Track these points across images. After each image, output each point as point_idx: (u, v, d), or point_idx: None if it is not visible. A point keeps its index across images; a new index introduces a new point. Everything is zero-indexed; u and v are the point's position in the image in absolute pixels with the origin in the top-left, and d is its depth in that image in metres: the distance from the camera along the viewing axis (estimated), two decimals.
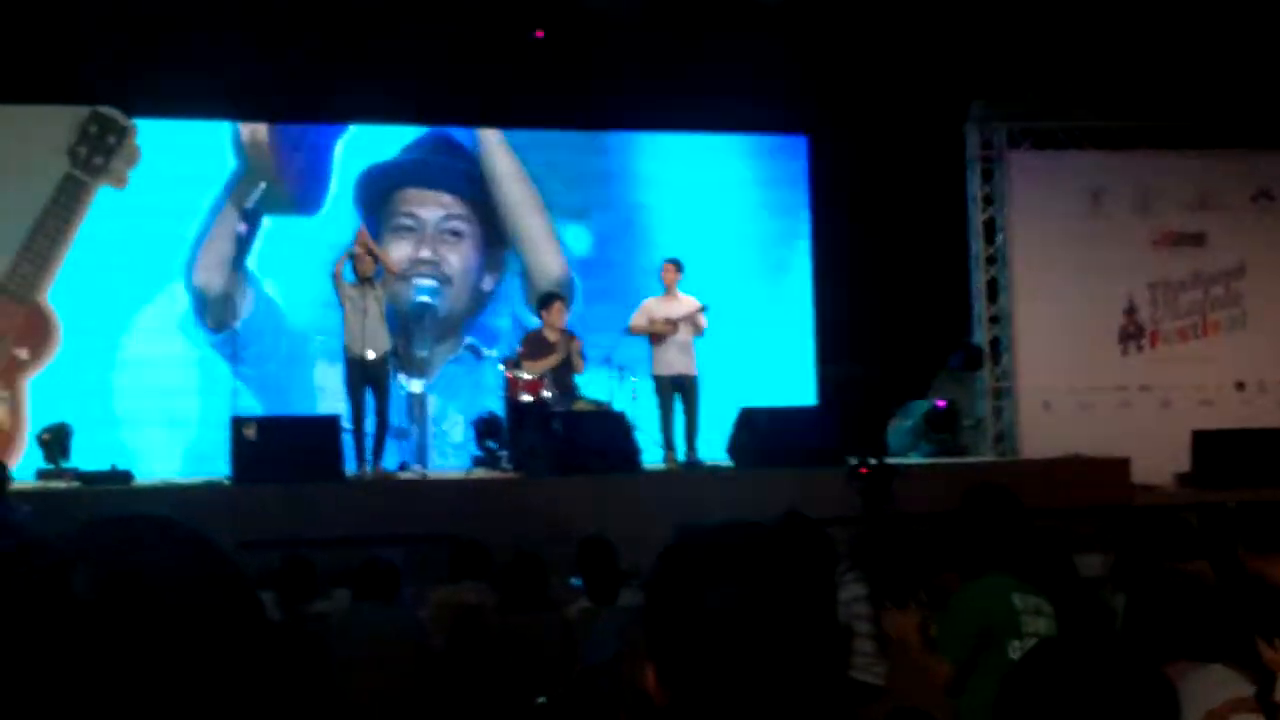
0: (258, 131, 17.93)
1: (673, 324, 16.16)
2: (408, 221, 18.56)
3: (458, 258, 18.74)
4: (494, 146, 18.89)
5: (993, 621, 6.34)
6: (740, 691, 2.06)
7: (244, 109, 17.55)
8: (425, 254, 18.56)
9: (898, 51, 17.98)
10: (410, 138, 18.67)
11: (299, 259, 17.75)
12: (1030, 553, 6.76)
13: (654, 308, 16.34)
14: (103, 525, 1.66)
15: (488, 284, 18.87)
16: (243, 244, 17.71)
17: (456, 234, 18.76)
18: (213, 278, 17.62)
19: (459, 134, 18.85)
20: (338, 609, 9.85)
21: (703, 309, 16.32)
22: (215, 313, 17.58)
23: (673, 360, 16.22)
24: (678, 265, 16.63)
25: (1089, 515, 13.45)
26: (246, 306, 17.71)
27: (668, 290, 16.41)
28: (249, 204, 17.72)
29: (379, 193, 18.44)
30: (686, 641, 2.08)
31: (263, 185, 17.75)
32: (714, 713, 2.07)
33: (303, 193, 18.05)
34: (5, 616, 1.55)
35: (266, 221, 17.88)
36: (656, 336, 16.23)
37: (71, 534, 1.64)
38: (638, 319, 16.40)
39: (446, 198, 18.70)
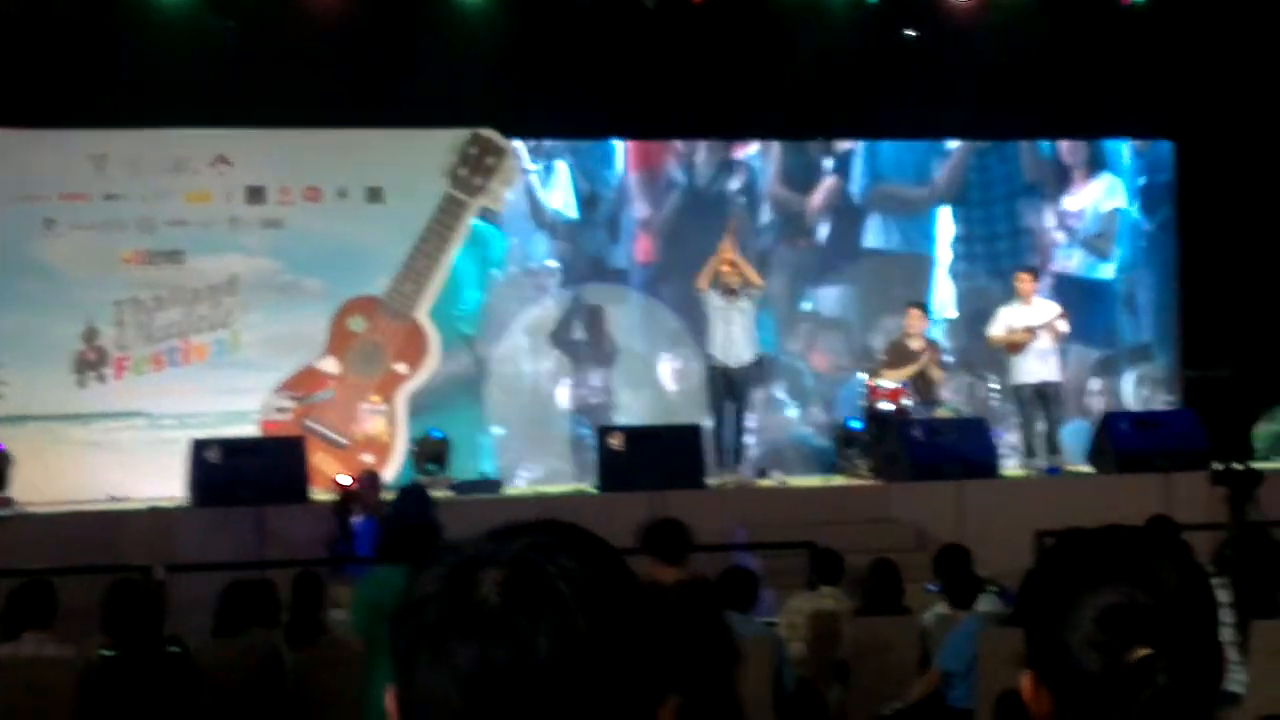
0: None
1: (1032, 332, 16.04)
2: None
3: None
4: None
5: None
6: (1127, 700, 1.95)
7: (621, 127, 17.68)
8: None
9: (1266, 52, 17.53)
10: None
11: None
12: None
13: (1011, 317, 16.23)
14: (509, 531, 1.67)
15: None
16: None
17: None
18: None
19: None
20: None
21: (1062, 315, 16.16)
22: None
23: (1035, 368, 16.07)
24: (1033, 274, 16.51)
25: None
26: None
27: (1023, 299, 16.25)
28: None
29: None
30: (1068, 649, 1.98)
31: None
32: None
33: None
34: (422, 612, 1.61)
35: None
36: (1015, 345, 16.13)
37: (478, 539, 1.66)
38: (994, 329, 16.37)
39: None
